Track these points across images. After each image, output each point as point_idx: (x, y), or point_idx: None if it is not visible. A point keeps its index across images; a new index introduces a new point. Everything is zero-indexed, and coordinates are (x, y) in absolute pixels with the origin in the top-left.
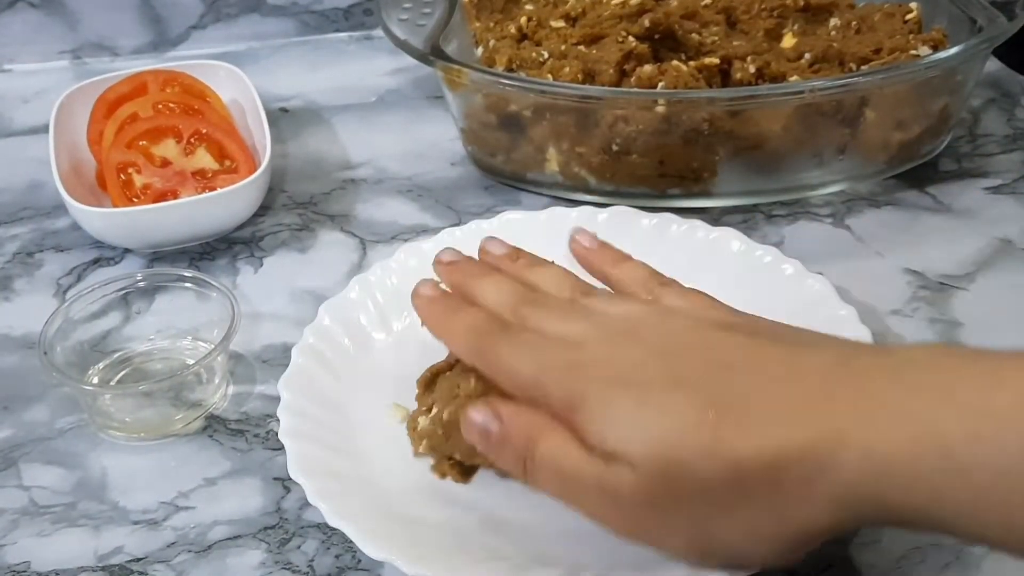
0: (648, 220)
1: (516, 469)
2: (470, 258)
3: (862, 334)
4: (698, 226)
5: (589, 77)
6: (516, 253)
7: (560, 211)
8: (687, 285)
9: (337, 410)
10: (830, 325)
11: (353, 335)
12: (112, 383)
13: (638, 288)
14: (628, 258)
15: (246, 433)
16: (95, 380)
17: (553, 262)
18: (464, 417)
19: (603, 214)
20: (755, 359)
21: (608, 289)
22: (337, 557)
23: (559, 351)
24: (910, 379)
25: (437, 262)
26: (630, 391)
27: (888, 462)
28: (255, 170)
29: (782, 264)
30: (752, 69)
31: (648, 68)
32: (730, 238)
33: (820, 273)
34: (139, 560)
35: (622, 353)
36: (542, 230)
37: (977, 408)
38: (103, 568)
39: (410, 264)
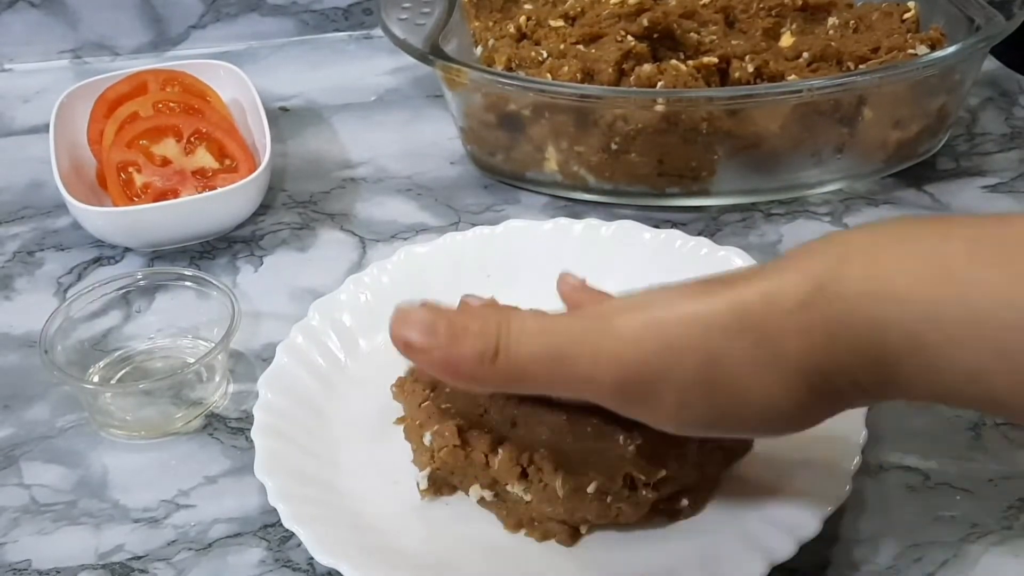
0: (651, 235)
1: (477, 355)
2: None
3: None
4: (703, 244)
5: (588, 76)
6: None
7: (564, 221)
8: None
9: (314, 411)
10: None
11: (341, 337)
12: (113, 382)
13: None
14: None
15: (246, 431)
16: (96, 379)
17: None
18: (396, 317)
19: (607, 228)
20: None
21: None
22: None
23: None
24: (910, 225)
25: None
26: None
27: (889, 277)
28: (255, 169)
29: None
30: (750, 68)
31: (647, 67)
32: (733, 257)
33: None
34: (140, 558)
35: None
36: (544, 240)
37: (976, 236)
38: (104, 566)
39: (406, 267)
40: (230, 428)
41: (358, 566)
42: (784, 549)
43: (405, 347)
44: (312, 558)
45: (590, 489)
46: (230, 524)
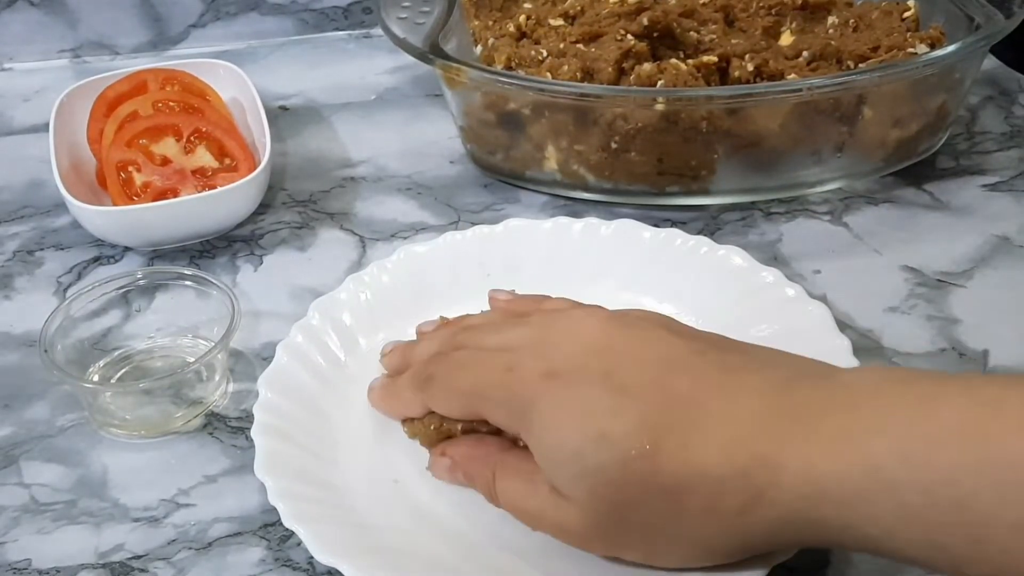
0: (651, 234)
1: (489, 498)
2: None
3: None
4: (703, 243)
5: (588, 75)
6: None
7: (564, 220)
8: (684, 300)
9: (314, 411)
10: (824, 355)
11: (341, 336)
12: (112, 381)
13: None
14: (550, 298)
15: (246, 431)
16: (95, 378)
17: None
18: (431, 462)
19: (607, 227)
20: (698, 368)
21: None
22: None
23: (496, 357)
24: (847, 403)
25: (382, 356)
26: (568, 400)
27: (822, 482)
28: (255, 168)
29: (785, 288)
30: (750, 67)
31: (647, 66)
32: (733, 256)
33: (823, 297)
34: (140, 557)
35: (560, 349)
36: (544, 239)
37: (906, 432)
38: (104, 565)
39: (406, 266)
40: (230, 427)
41: (358, 565)
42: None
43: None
44: (312, 557)
45: None
46: (230, 523)
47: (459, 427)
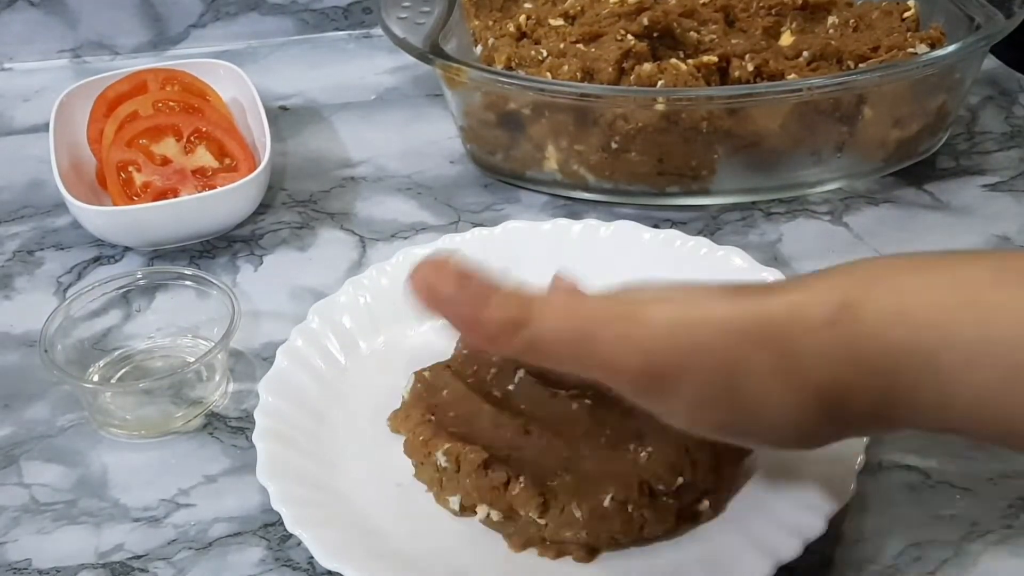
0: (650, 235)
1: (504, 320)
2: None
3: None
4: (703, 243)
5: (588, 75)
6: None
7: (563, 222)
8: None
9: (316, 414)
10: None
11: (341, 339)
12: (112, 381)
13: None
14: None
15: (246, 431)
16: (95, 378)
17: None
18: (428, 264)
19: (606, 228)
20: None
21: None
22: None
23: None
24: (936, 254)
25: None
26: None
27: (912, 303)
28: (255, 168)
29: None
30: (750, 67)
31: (647, 66)
32: (733, 256)
33: None
34: (140, 557)
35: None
36: (543, 240)
37: (1002, 264)
38: (104, 565)
39: (405, 268)
40: (230, 427)
41: (362, 569)
42: (790, 549)
43: (431, 295)
44: (312, 557)
45: (606, 503)
46: (230, 523)
47: (445, 446)
